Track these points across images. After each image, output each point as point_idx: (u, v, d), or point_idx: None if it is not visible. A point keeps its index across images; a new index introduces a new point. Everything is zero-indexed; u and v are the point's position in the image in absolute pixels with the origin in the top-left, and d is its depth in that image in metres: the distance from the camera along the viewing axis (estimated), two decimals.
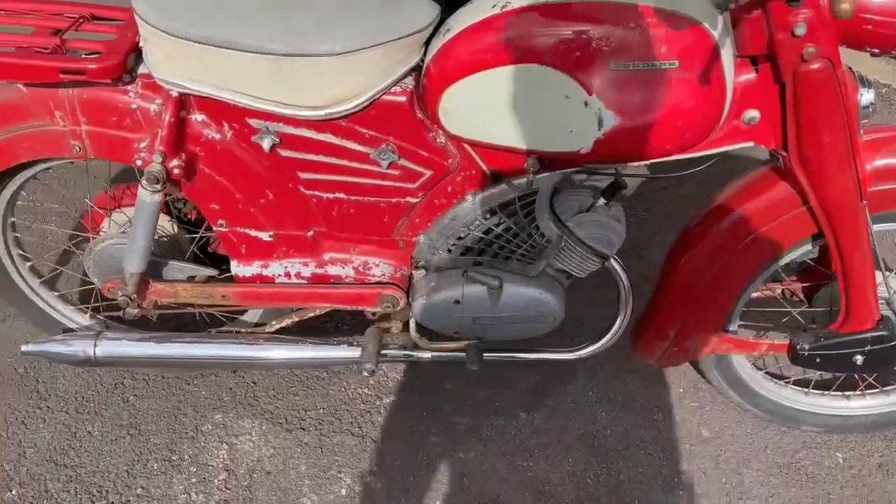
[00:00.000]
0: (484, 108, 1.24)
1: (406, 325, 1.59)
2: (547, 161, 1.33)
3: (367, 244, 1.51)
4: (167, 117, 1.31)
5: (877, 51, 1.23)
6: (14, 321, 1.93)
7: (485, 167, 1.38)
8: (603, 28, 1.15)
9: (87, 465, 1.69)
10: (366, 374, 1.49)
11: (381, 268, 1.52)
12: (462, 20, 1.23)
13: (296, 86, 1.24)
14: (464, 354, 1.54)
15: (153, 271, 1.53)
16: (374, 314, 1.56)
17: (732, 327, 1.56)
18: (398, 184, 1.39)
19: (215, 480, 1.67)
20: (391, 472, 1.69)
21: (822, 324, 1.57)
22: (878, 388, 1.74)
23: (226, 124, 1.34)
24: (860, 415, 1.76)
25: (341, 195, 1.42)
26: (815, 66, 1.17)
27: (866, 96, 1.24)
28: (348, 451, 1.72)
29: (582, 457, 1.74)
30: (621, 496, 1.67)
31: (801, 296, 1.64)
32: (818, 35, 1.13)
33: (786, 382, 1.76)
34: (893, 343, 1.48)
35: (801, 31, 1.12)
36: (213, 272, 1.58)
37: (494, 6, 1.21)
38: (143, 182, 1.33)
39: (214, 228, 1.48)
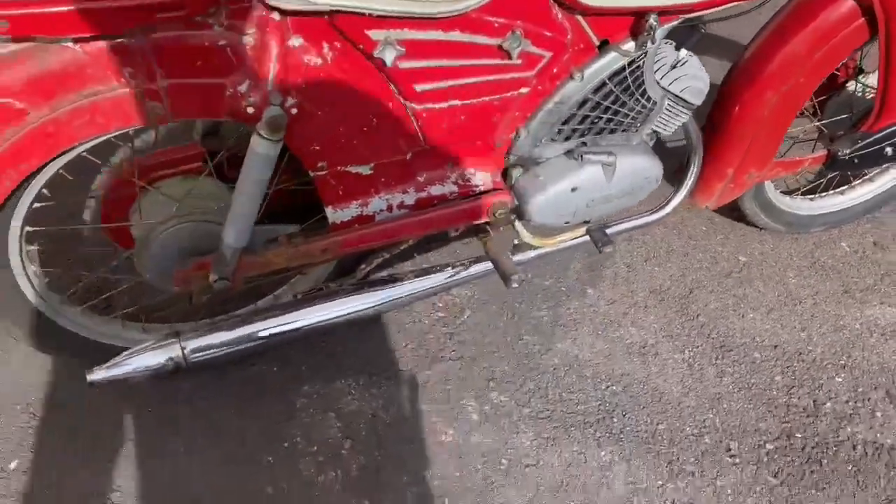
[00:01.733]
0: None
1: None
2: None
3: (465, 154, 1.41)
4: (275, 48, 1.10)
5: None
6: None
7: (595, 38, 1.33)
8: None
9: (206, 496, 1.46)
10: (515, 285, 1.41)
11: (479, 176, 1.43)
12: None
13: None
14: (580, 241, 1.51)
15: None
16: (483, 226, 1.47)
17: None
18: (518, 74, 1.30)
19: (342, 451, 1.53)
20: (504, 381, 1.65)
21: (848, 129, 1.73)
22: (866, 177, 1.97)
23: (340, 44, 1.15)
24: (852, 205, 1.99)
25: (455, 102, 1.30)
26: None
27: None
28: (455, 375, 1.65)
29: (660, 311, 1.81)
30: (708, 332, 1.78)
31: (816, 108, 1.79)
32: None
33: (799, 195, 1.94)
34: None
35: None
36: (295, 228, 1.39)
37: None
38: (263, 131, 1.12)
39: (312, 174, 1.29)
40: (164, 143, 1.43)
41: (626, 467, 1.54)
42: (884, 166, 1.86)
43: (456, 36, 1.20)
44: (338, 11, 1.09)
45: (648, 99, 1.41)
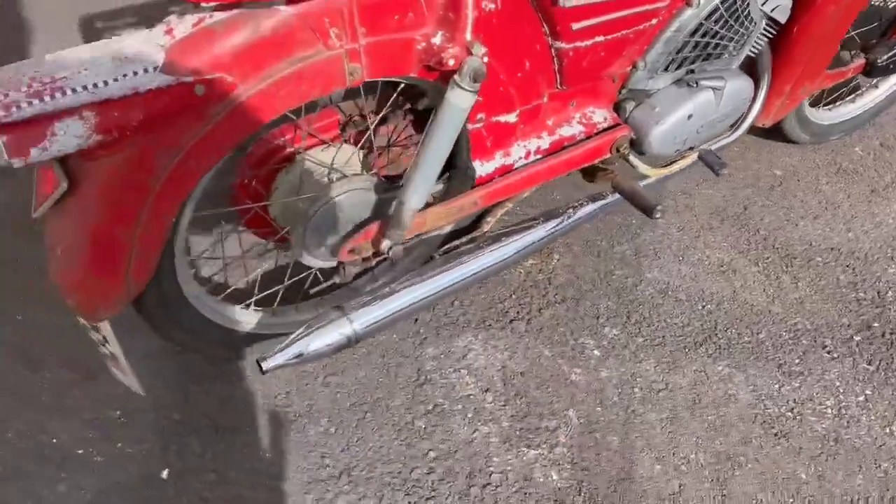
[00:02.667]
0: None
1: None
2: None
3: (586, 93, 1.42)
4: None
5: None
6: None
7: None
8: None
9: (360, 464, 1.42)
10: (658, 215, 1.44)
11: (599, 113, 1.45)
12: None
13: None
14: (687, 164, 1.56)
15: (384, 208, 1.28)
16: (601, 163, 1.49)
17: None
18: (656, 4, 1.31)
19: (486, 405, 1.53)
20: (611, 316, 1.69)
21: (879, 37, 1.86)
22: (871, 85, 2.13)
23: None
24: (862, 112, 2.15)
25: (599, 38, 1.30)
26: None
27: None
28: (565, 317, 1.68)
29: (725, 230, 1.91)
30: (772, 243, 1.89)
31: None
32: None
33: (821, 107, 2.07)
34: None
35: None
36: (439, 186, 1.36)
37: None
38: (464, 83, 1.08)
39: (471, 127, 1.26)
40: None
41: (744, 377, 1.62)
42: None
43: None
44: None
45: (752, 21, 1.46)
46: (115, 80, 0.90)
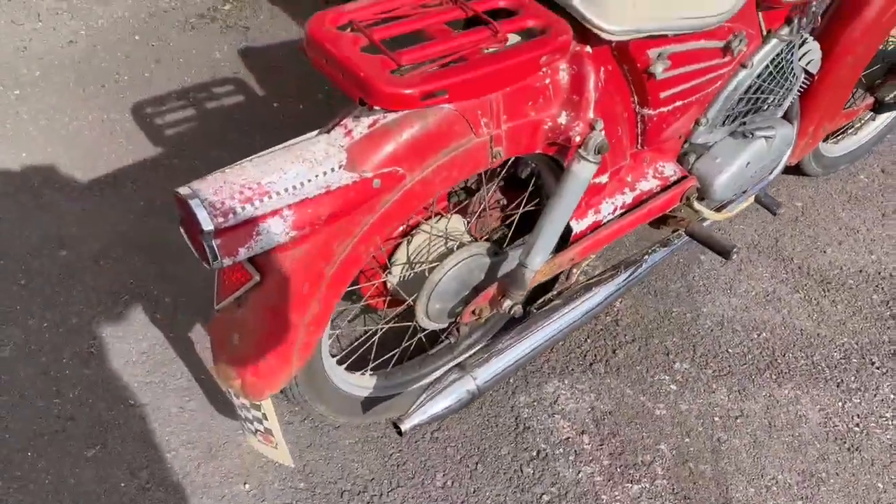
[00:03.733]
0: None
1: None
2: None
3: (657, 150, 1.55)
4: (592, 78, 1.19)
5: None
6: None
7: (764, 27, 1.52)
8: None
9: None
10: (734, 256, 1.57)
11: (668, 167, 1.58)
12: None
13: None
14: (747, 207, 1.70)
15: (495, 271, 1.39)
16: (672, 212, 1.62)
17: None
18: (722, 70, 1.46)
19: (584, 446, 1.62)
20: (679, 351, 1.82)
21: (882, 76, 2.05)
22: (869, 118, 2.32)
23: (611, 66, 1.26)
24: (864, 143, 2.34)
25: (679, 102, 1.43)
26: None
27: None
28: (638, 356, 1.79)
29: (763, 261, 2.05)
30: (806, 271, 2.04)
31: None
32: None
33: (830, 141, 2.25)
34: None
35: None
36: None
37: None
38: (589, 155, 1.20)
39: None
40: None
41: (809, 398, 1.75)
42: None
43: (703, 44, 1.34)
44: (652, 34, 1.19)
45: (794, 75, 1.62)
46: (310, 180, 0.99)
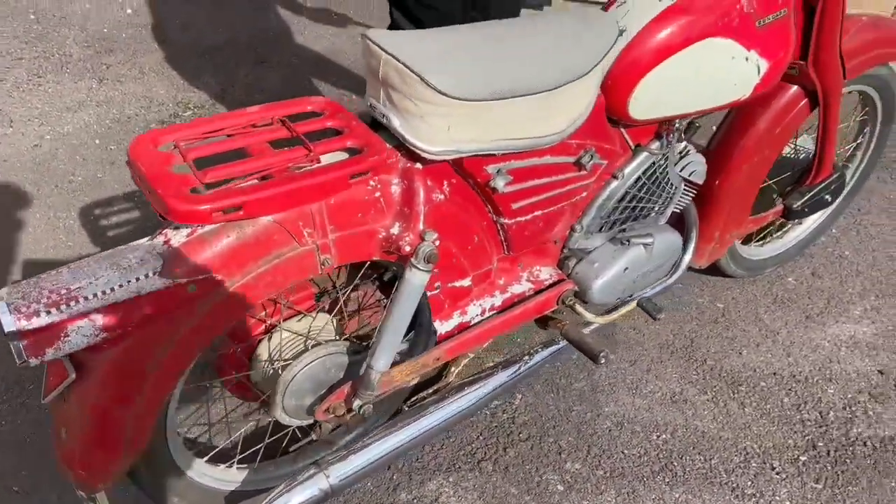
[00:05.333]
0: (672, 89, 1.45)
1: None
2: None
3: (532, 254, 1.61)
4: (421, 192, 1.26)
5: None
6: None
7: (631, 144, 1.59)
8: None
9: None
10: (603, 361, 1.60)
11: (545, 271, 1.64)
12: (635, 18, 1.42)
13: (550, 116, 1.31)
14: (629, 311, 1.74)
15: (356, 369, 1.43)
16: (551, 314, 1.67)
17: None
18: (583, 182, 1.53)
19: None
20: (573, 451, 1.82)
21: (793, 184, 2.10)
22: (796, 222, 2.36)
23: (455, 180, 1.33)
24: (791, 246, 2.37)
25: (538, 212, 1.50)
26: None
27: None
28: (529, 456, 1.81)
29: (674, 362, 2.07)
30: (718, 372, 2.05)
31: None
32: None
33: (753, 243, 2.29)
34: (842, 177, 2.08)
35: None
36: (404, 345, 1.52)
37: (661, 0, 1.42)
38: (419, 264, 1.26)
39: (429, 294, 1.43)
40: None
41: (701, 502, 1.74)
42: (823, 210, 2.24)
43: (548, 160, 1.41)
44: (475, 154, 1.27)
45: (672, 186, 1.68)
46: (121, 286, 1.06)
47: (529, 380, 1.96)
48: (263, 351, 1.42)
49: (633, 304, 1.77)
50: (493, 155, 1.30)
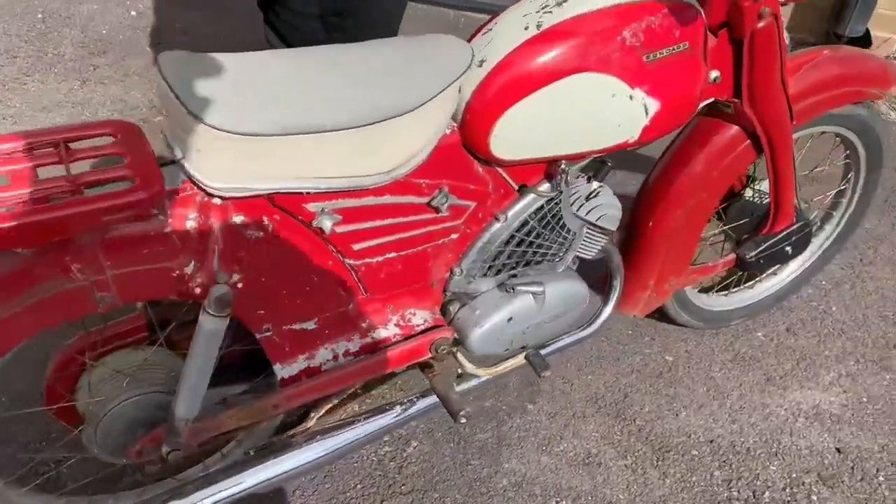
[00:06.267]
0: (538, 127, 1.29)
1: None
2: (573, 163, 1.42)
3: (403, 297, 1.47)
4: (217, 229, 1.15)
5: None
6: None
7: (514, 184, 1.43)
8: (630, 28, 1.28)
9: None
10: (463, 420, 1.46)
11: (420, 315, 1.50)
12: (497, 48, 1.27)
13: (372, 153, 1.18)
14: (519, 365, 1.58)
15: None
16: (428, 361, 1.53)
17: None
18: (448, 224, 1.38)
19: None
20: (482, 488, 1.68)
21: (750, 232, 1.88)
22: (771, 272, 2.13)
23: (279, 216, 1.21)
24: (763, 298, 2.14)
25: (392, 254, 1.37)
26: (766, 22, 1.42)
27: (786, 35, 1.53)
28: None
29: (599, 419, 1.88)
30: (646, 435, 1.86)
31: (721, 213, 1.94)
32: None
33: (714, 293, 2.08)
34: (807, 228, 1.85)
35: None
36: (244, 386, 1.41)
37: (527, 28, 1.26)
38: (211, 309, 1.15)
39: (258, 336, 1.32)
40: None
41: None
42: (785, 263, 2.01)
43: (388, 199, 1.27)
44: (276, 192, 1.15)
45: (568, 230, 1.52)
46: None
47: (431, 421, 1.82)
48: (84, 383, 1.34)
49: (521, 357, 1.61)
50: (307, 193, 1.18)
